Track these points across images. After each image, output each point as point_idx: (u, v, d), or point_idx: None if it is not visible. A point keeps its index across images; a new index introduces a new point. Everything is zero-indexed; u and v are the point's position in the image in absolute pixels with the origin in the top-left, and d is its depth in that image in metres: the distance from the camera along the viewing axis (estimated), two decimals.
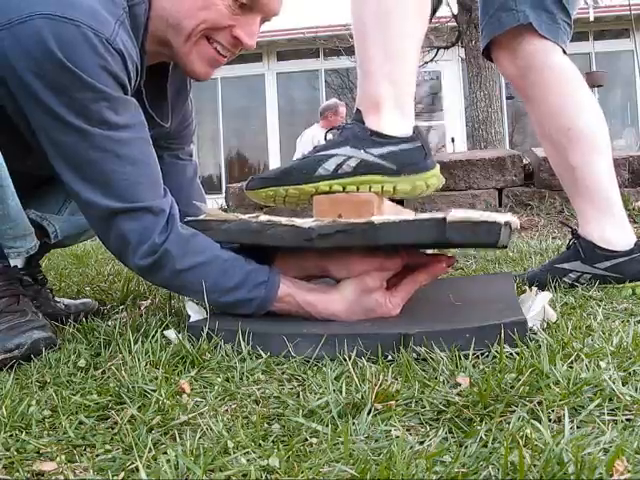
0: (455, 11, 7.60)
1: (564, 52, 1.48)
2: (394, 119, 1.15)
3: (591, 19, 10.09)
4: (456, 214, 1.00)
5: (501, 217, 0.99)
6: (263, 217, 1.13)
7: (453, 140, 10.67)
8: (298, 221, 1.09)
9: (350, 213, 1.12)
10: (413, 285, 1.12)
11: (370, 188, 1.14)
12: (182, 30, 1.12)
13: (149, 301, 1.50)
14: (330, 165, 1.14)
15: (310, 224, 1.08)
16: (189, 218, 1.16)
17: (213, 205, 1.58)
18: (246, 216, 1.14)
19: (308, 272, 1.17)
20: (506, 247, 1.01)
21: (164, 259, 1.09)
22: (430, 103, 12.29)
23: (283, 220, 1.11)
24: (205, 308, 1.16)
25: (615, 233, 1.46)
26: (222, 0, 1.11)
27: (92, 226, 1.15)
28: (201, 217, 1.17)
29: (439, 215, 1.01)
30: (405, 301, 1.12)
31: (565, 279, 1.47)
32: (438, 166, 1.19)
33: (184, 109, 1.39)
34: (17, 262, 1.19)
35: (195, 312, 1.16)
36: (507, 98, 11.27)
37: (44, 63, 0.99)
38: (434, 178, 1.16)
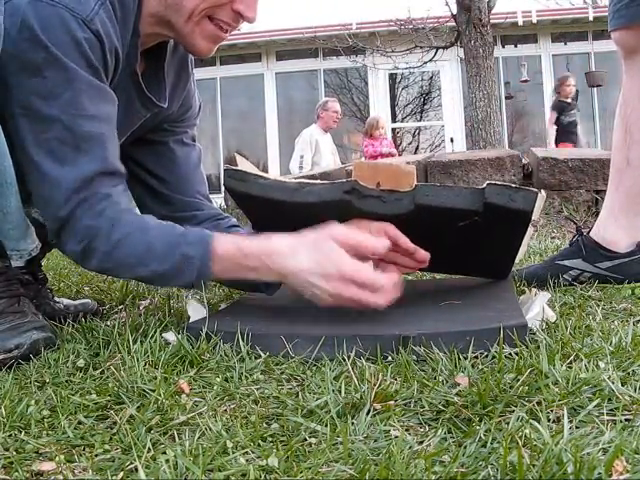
0: (454, 11, 7.60)
1: None
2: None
3: (590, 19, 10.10)
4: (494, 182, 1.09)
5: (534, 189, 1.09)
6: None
7: (452, 140, 10.68)
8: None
9: (388, 182, 1.13)
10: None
11: None
12: (183, 10, 1.12)
13: (148, 301, 1.50)
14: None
15: (351, 180, 1.11)
16: (228, 166, 1.16)
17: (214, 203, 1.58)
18: (281, 178, 1.17)
19: None
20: (530, 221, 1.11)
21: (95, 241, 1.06)
22: (429, 103, 12.30)
23: (320, 182, 1.14)
24: (206, 307, 1.16)
25: (624, 236, 1.47)
26: None
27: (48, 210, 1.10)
28: (240, 168, 1.16)
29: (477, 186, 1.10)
30: (388, 285, 1.03)
31: (565, 276, 1.48)
32: None
33: (186, 90, 1.38)
34: (19, 262, 1.19)
35: (195, 312, 1.16)
36: (506, 98, 11.26)
37: (21, 43, 0.99)
38: None
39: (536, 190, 1.07)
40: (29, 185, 1.07)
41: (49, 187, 1.05)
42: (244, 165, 1.18)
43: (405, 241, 1.15)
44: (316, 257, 1.02)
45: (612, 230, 1.48)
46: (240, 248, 1.06)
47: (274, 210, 1.19)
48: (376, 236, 1.08)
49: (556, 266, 1.50)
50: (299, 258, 1.03)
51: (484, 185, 1.06)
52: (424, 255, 1.18)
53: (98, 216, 1.06)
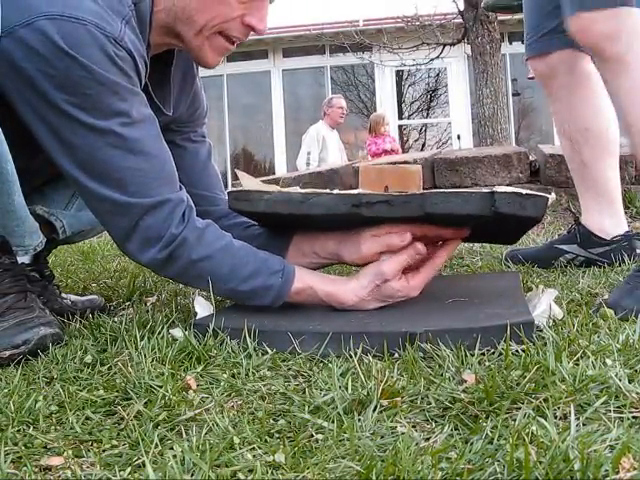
0: (461, 7, 7.58)
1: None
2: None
3: None
4: (503, 188, 1.06)
5: (544, 194, 1.06)
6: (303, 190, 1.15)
7: (459, 137, 10.65)
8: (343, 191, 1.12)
9: (396, 185, 1.13)
10: (433, 268, 1.15)
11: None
12: (194, 24, 1.13)
13: (155, 298, 1.50)
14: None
15: (359, 192, 1.10)
16: (231, 189, 1.16)
17: None
18: (286, 189, 1.16)
19: (320, 259, 1.20)
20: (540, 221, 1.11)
21: (180, 249, 1.09)
22: (436, 100, 12.28)
23: (326, 190, 1.13)
24: (213, 303, 1.16)
25: (611, 225, 1.68)
26: None
27: (105, 222, 1.14)
28: (242, 188, 1.17)
29: (485, 189, 1.06)
30: (425, 282, 1.14)
31: (561, 259, 1.70)
32: None
33: (192, 92, 1.38)
34: (24, 259, 1.19)
35: (202, 309, 1.16)
36: (513, 95, 11.22)
37: (54, 61, 0.99)
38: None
39: (546, 195, 1.05)
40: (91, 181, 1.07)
41: (118, 208, 1.08)
42: (246, 181, 1.19)
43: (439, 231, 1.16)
44: (381, 300, 1.13)
45: (600, 221, 1.69)
46: (314, 290, 1.13)
47: (284, 222, 1.21)
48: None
49: (554, 249, 1.72)
50: (365, 305, 1.13)
51: (493, 189, 1.04)
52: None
53: (184, 226, 1.10)
